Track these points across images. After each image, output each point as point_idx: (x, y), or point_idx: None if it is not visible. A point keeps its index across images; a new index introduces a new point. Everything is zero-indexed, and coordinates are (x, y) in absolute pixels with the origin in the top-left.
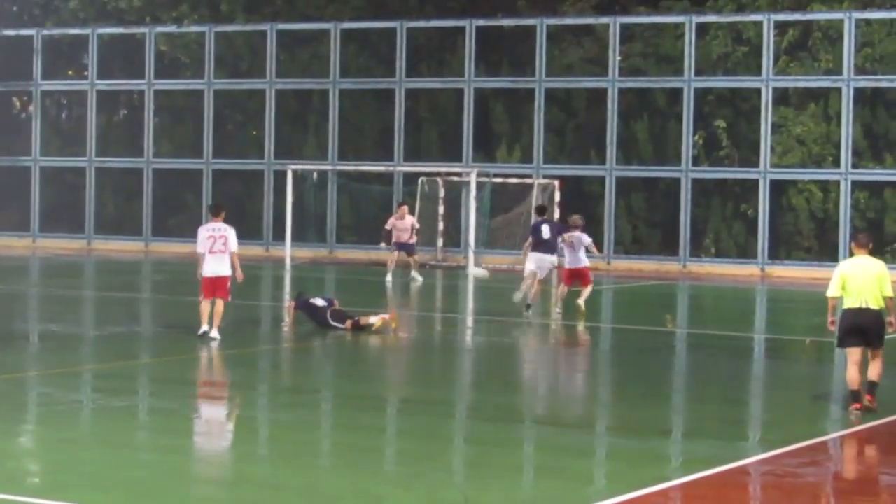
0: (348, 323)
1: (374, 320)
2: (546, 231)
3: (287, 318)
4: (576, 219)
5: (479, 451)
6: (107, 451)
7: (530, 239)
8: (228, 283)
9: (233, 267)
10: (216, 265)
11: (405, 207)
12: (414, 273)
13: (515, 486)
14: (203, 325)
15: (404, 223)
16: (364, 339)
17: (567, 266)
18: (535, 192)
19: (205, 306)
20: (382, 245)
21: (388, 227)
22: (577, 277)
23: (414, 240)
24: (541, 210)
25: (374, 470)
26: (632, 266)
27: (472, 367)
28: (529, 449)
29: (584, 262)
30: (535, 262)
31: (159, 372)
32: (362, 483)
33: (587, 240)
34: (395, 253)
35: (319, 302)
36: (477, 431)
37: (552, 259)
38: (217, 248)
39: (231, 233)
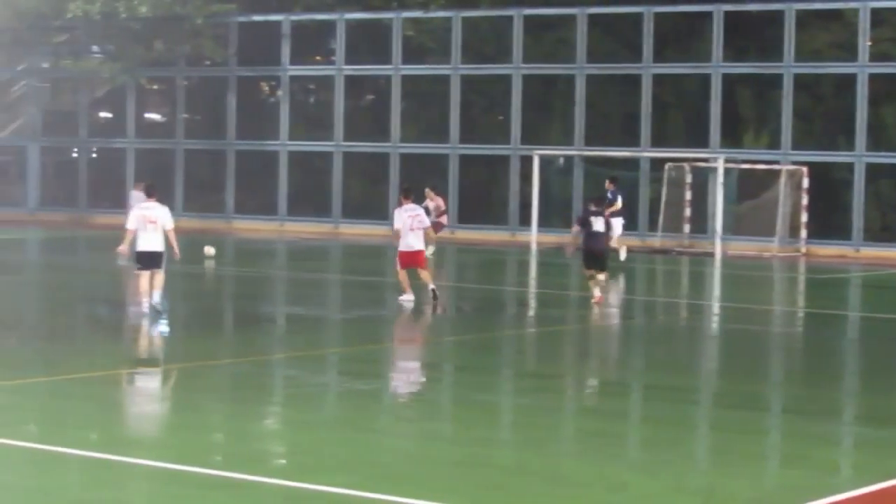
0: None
1: (598, 294)
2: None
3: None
4: None
5: (723, 438)
6: (351, 434)
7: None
8: (424, 255)
9: (426, 240)
10: (413, 241)
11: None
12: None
13: (760, 474)
14: (407, 291)
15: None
16: (608, 325)
17: None
18: (782, 178)
19: (402, 275)
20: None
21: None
22: None
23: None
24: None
25: (619, 456)
26: (880, 254)
27: (716, 354)
28: (775, 437)
29: None
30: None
31: (404, 355)
32: (607, 469)
33: None
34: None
35: (599, 227)
36: (722, 419)
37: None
38: (415, 226)
39: (421, 210)
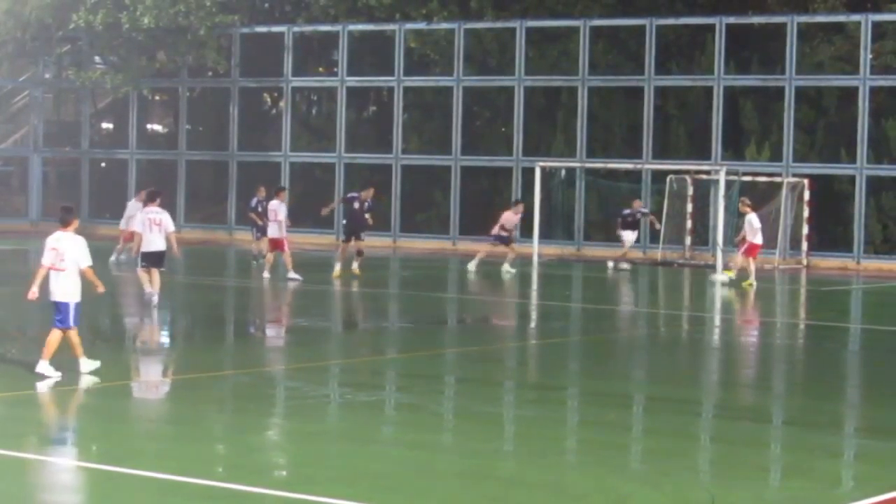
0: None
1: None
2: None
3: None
4: None
5: (726, 450)
6: (353, 445)
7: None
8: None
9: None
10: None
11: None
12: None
13: (763, 486)
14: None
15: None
16: (610, 338)
17: None
18: (784, 190)
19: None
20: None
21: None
22: None
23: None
24: None
25: (621, 468)
26: (882, 266)
27: (718, 366)
28: (777, 449)
29: None
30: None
31: (406, 367)
32: (608, 481)
33: None
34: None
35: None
36: (724, 430)
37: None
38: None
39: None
